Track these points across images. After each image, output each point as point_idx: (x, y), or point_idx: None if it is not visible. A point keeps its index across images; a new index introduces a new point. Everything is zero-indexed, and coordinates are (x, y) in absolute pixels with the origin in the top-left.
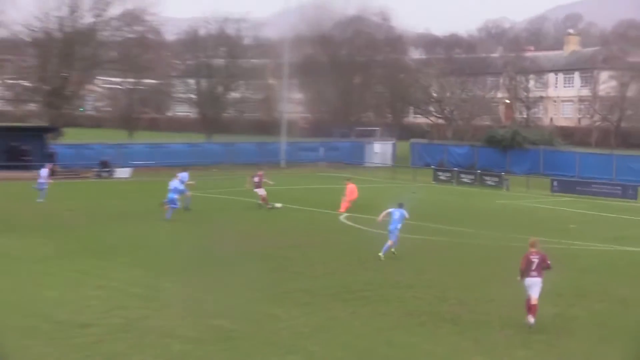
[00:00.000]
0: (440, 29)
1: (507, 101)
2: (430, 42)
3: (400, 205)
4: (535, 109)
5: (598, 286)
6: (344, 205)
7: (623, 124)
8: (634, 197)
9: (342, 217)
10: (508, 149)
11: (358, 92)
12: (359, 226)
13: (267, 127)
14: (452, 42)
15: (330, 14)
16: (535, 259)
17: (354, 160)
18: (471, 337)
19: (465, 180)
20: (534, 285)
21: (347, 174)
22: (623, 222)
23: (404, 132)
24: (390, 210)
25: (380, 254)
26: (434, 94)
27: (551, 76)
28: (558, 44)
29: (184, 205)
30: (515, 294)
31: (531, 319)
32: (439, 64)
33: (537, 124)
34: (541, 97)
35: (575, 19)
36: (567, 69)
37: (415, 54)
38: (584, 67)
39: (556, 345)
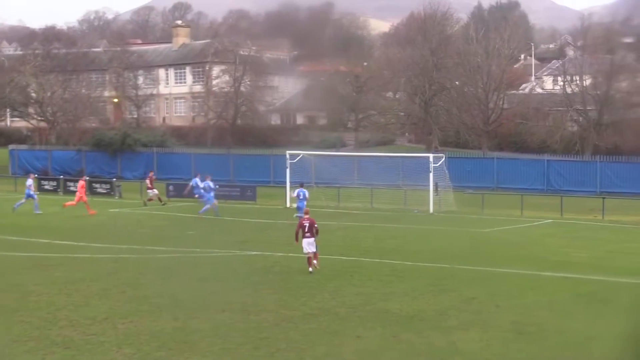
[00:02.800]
0: (36, 21)
1: (116, 100)
2: (25, 36)
3: (302, 185)
4: (147, 108)
5: (220, 295)
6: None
7: (238, 122)
8: (253, 199)
9: None
10: (119, 153)
11: None
12: None
13: None
14: (50, 36)
15: None
16: (307, 223)
17: None
18: None
19: (72, 188)
20: (310, 244)
21: None
22: (243, 225)
23: (1, 138)
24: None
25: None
26: (33, 94)
27: (161, 72)
28: (167, 37)
29: None
30: (132, 309)
31: (310, 268)
32: (36, 60)
33: (149, 124)
34: (152, 95)
35: (184, 9)
36: (177, 63)
37: (10, 50)
38: (195, 61)
39: None
